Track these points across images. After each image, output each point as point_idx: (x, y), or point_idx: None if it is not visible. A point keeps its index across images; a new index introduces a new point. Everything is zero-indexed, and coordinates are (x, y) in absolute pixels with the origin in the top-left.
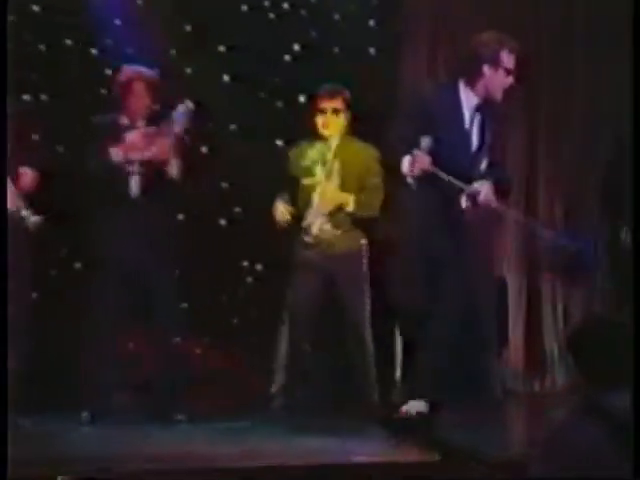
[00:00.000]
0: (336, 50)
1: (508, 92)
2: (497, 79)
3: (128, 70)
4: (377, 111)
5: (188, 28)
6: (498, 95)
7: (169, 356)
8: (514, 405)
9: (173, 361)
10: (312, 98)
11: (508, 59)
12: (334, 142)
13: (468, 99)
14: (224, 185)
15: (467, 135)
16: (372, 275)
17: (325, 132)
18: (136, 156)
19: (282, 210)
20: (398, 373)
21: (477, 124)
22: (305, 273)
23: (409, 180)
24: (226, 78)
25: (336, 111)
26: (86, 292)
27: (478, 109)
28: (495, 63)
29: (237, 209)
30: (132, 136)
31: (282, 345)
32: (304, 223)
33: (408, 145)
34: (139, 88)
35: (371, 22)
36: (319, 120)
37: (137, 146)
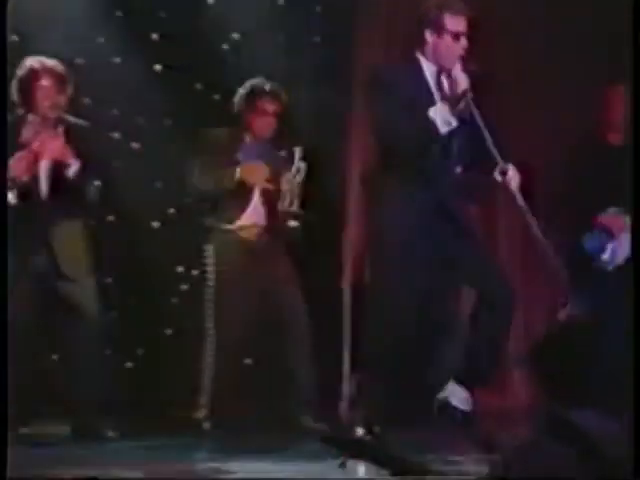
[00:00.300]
0: (279, 38)
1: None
2: (443, 45)
3: (32, 62)
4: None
5: (118, 14)
6: (451, 62)
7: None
8: (472, 421)
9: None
10: (249, 96)
11: (452, 22)
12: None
13: (429, 70)
14: (157, 184)
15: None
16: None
17: (263, 136)
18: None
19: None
20: (346, 389)
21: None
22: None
23: None
24: (158, 68)
25: (276, 114)
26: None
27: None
28: (438, 28)
29: (171, 210)
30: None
31: (211, 358)
32: (237, 224)
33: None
34: (46, 83)
35: (317, 8)
36: (258, 122)
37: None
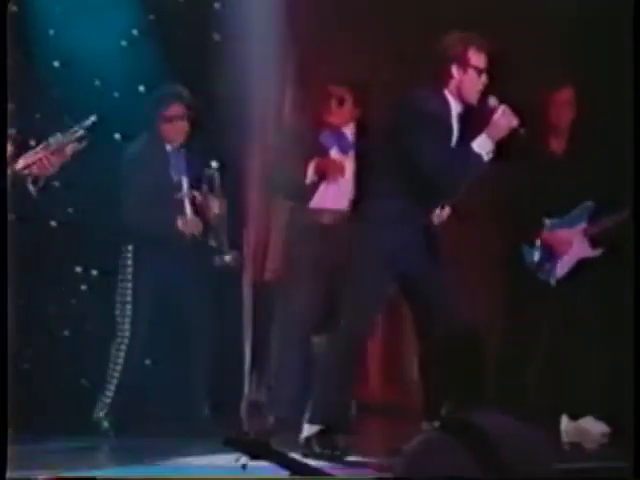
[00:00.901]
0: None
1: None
2: (467, 80)
3: None
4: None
5: (13, 9)
6: (473, 98)
7: None
8: (370, 422)
9: None
10: (156, 101)
11: (477, 58)
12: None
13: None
14: (55, 184)
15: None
16: None
17: (174, 143)
18: None
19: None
20: (247, 389)
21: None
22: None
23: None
24: (56, 64)
25: (183, 117)
26: None
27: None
28: (463, 63)
29: (70, 209)
30: None
31: (117, 359)
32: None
33: None
34: None
35: (216, 5)
36: (166, 129)
37: None
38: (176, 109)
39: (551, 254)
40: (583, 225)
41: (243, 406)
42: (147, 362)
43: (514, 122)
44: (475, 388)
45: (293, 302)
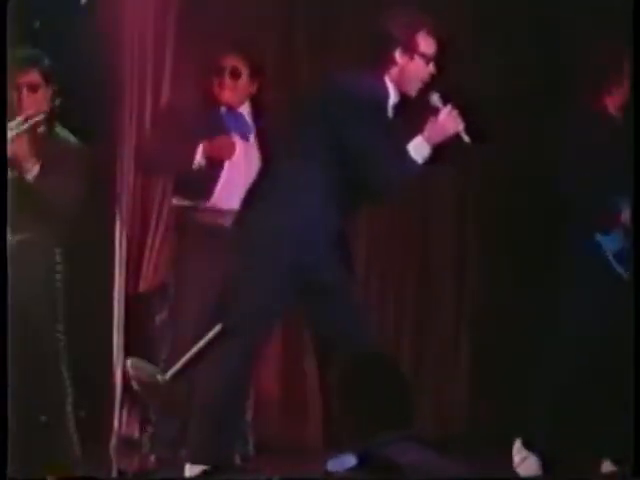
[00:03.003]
0: None
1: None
2: (412, 68)
3: None
4: None
5: None
6: (414, 89)
7: None
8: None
9: None
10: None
11: (426, 43)
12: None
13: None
14: None
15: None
16: None
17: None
18: None
19: None
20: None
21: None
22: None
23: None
24: None
25: (31, 87)
26: None
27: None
28: (410, 48)
29: None
30: None
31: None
32: None
33: None
34: None
35: None
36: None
37: None
38: (24, 76)
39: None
40: None
41: (112, 443)
42: None
43: (459, 127)
44: (389, 420)
45: (178, 318)
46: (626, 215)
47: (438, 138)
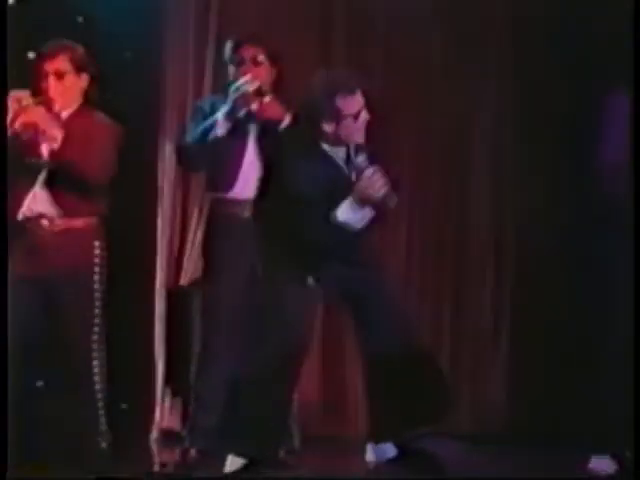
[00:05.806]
0: None
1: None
2: (344, 128)
3: None
4: None
5: None
6: (358, 139)
7: None
8: (311, 452)
9: None
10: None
11: (347, 104)
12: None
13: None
14: None
15: None
16: None
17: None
18: None
19: None
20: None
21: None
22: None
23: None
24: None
25: (59, 73)
26: None
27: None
28: (334, 115)
29: None
30: None
31: None
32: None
33: None
34: None
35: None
36: (43, 85)
37: None
38: (52, 63)
39: None
40: None
41: (153, 435)
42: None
43: (382, 188)
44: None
45: (215, 310)
46: None
47: (366, 199)
